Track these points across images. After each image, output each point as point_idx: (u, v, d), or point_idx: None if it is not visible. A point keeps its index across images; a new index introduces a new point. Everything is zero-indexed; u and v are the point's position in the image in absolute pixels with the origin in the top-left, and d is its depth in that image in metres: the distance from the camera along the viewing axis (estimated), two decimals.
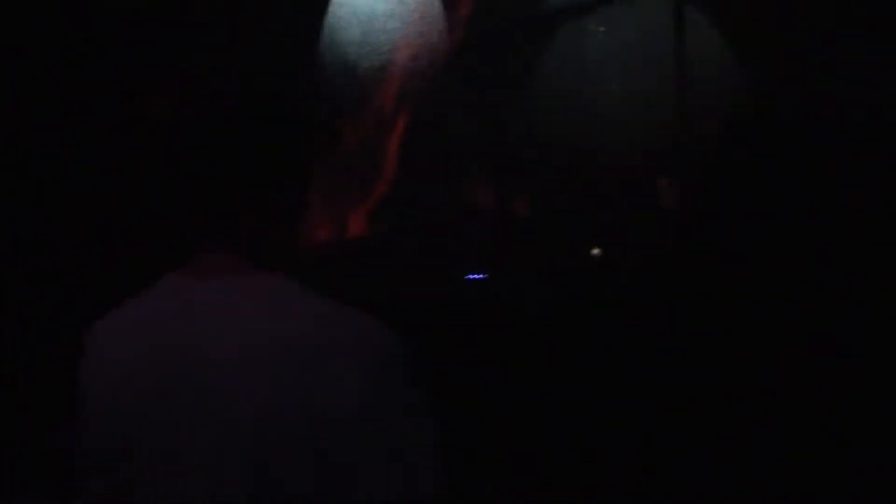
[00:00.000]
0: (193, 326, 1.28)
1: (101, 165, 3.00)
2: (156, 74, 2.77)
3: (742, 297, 2.54)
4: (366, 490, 1.21)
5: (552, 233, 3.31)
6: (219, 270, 1.32)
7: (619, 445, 2.80)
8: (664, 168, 3.31)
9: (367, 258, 3.38)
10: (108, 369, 1.36)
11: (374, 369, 1.22)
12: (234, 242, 1.33)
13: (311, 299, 1.30)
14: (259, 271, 1.32)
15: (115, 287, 1.47)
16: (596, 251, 3.13)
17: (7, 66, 2.97)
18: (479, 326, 3.06)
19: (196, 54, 1.35)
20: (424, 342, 2.97)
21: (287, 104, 1.34)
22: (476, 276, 3.22)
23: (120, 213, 2.98)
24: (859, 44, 3.08)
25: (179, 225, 1.38)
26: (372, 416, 1.21)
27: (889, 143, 2.16)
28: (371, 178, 3.53)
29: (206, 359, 1.26)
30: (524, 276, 3.18)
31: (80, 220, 2.99)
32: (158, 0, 3.00)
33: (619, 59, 3.55)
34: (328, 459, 1.21)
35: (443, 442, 1.29)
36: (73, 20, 3.03)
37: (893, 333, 1.99)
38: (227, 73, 1.33)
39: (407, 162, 3.57)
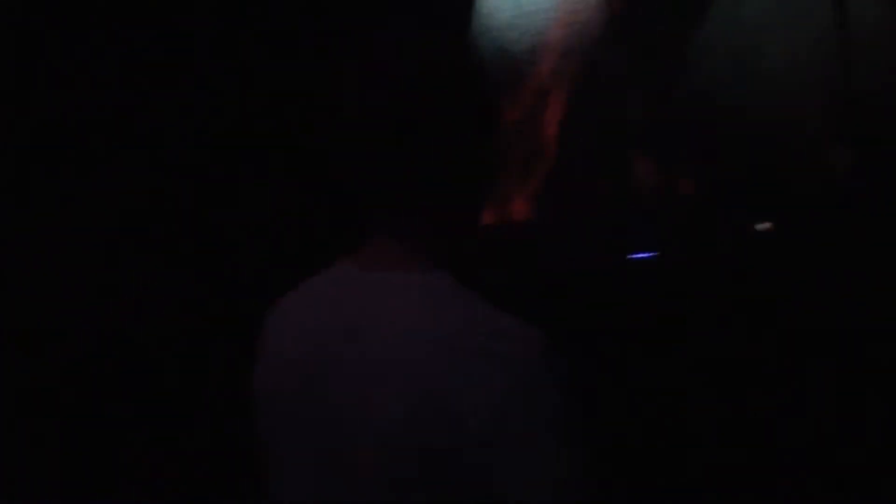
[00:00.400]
0: (345, 320, 1.29)
1: (282, 153, 3.05)
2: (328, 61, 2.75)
3: None
4: (503, 498, 1.19)
5: (718, 207, 3.22)
6: (383, 262, 1.32)
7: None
8: (832, 135, 3.16)
9: (530, 242, 3.35)
10: (269, 357, 1.39)
11: (515, 376, 1.20)
12: (406, 231, 1.32)
13: (463, 300, 1.29)
14: (422, 265, 1.31)
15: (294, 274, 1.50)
16: (764, 225, 3.02)
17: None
18: (646, 306, 3.00)
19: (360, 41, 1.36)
20: (588, 323, 2.95)
21: (470, 85, 1.33)
22: (641, 255, 3.16)
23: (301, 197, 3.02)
24: None
25: (355, 210, 1.37)
26: (511, 424, 1.19)
27: None
28: (531, 160, 3.50)
29: (350, 355, 1.27)
30: (692, 254, 3.10)
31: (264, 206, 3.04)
32: None
33: (780, 22, 3.40)
34: (463, 468, 1.19)
35: (595, 448, 1.25)
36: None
37: None
38: (402, 56, 1.31)
39: (567, 142, 3.53)
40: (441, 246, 1.34)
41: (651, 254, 3.15)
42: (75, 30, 2.93)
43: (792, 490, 2.72)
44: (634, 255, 3.17)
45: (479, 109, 1.35)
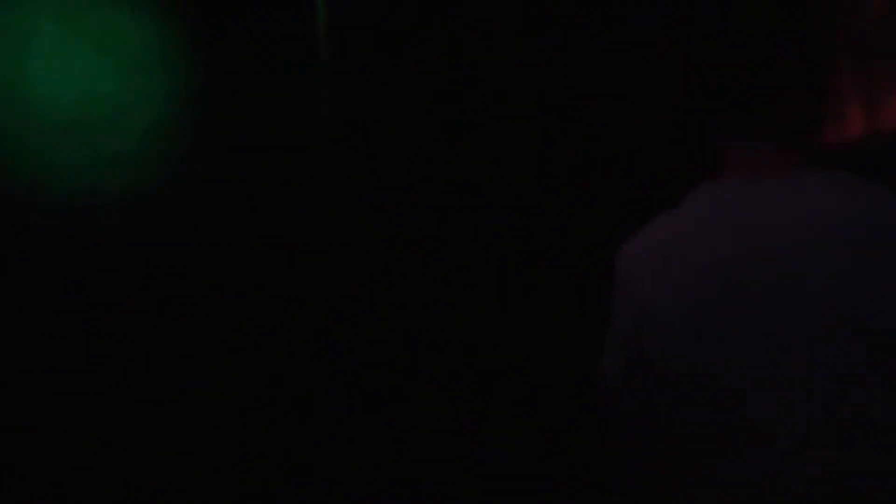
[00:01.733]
0: (764, 228, 1.28)
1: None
2: None
3: None
4: None
5: None
6: (766, 170, 1.32)
7: None
8: None
9: None
10: (646, 287, 1.37)
11: None
12: (773, 138, 1.32)
13: (867, 188, 1.27)
14: (808, 166, 1.31)
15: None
16: None
17: None
18: None
19: None
20: None
21: None
22: None
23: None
24: None
25: (707, 124, 1.36)
26: None
27: None
28: None
29: (776, 259, 1.26)
30: None
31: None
32: None
33: None
34: None
35: None
36: None
37: None
38: None
39: None
40: (810, 149, 1.33)
41: None
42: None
43: None
44: None
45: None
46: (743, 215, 1.31)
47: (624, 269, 1.41)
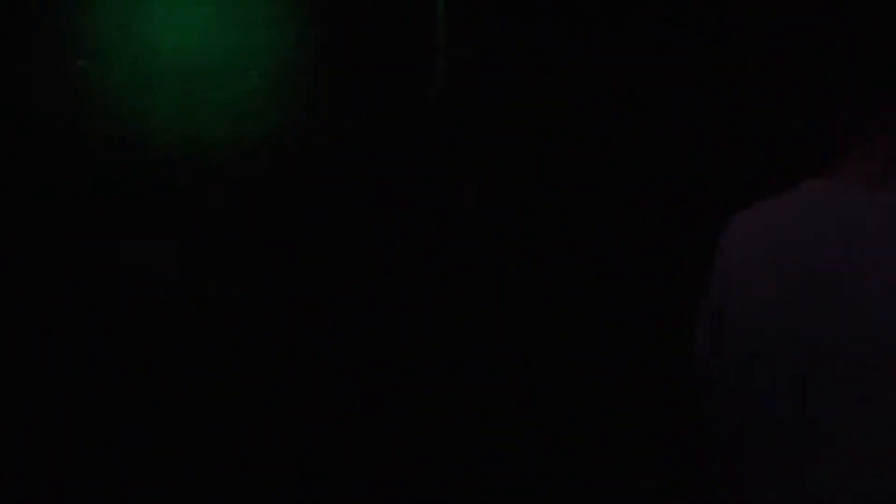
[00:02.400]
0: (833, 239, 1.28)
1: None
2: None
3: None
4: None
5: None
6: (876, 180, 1.30)
7: None
8: None
9: None
10: (736, 269, 1.38)
11: None
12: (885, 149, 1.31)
13: None
14: None
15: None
16: None
17: None
18: None
19: None
20: None
21: None
22: None
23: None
24: None
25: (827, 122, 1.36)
26: None
27: None
28: None
29: (852, 269, 1.25)
30: None
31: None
32: None
33: None
34: None
35: None
36: None
37: None
38: None
39: None
40: None
41: None
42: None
43: None
44: None
45: None
46: (840, 228, 1.30)
47: (721, 247, 1.42)
